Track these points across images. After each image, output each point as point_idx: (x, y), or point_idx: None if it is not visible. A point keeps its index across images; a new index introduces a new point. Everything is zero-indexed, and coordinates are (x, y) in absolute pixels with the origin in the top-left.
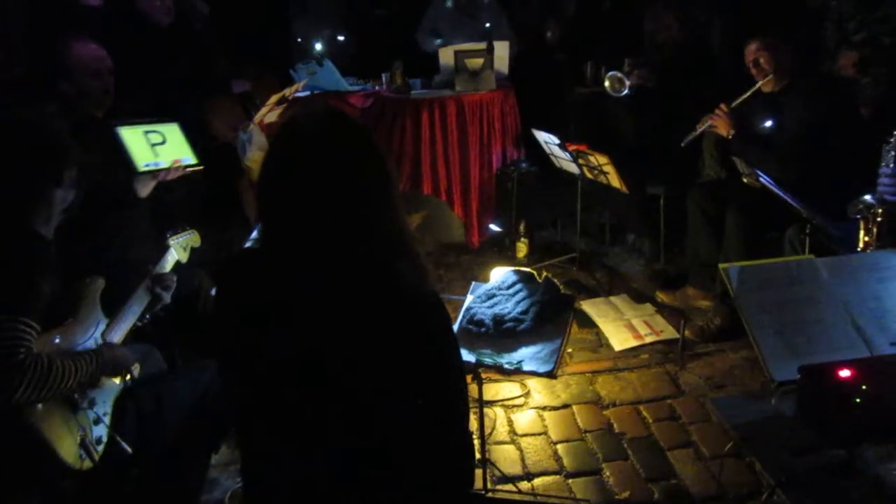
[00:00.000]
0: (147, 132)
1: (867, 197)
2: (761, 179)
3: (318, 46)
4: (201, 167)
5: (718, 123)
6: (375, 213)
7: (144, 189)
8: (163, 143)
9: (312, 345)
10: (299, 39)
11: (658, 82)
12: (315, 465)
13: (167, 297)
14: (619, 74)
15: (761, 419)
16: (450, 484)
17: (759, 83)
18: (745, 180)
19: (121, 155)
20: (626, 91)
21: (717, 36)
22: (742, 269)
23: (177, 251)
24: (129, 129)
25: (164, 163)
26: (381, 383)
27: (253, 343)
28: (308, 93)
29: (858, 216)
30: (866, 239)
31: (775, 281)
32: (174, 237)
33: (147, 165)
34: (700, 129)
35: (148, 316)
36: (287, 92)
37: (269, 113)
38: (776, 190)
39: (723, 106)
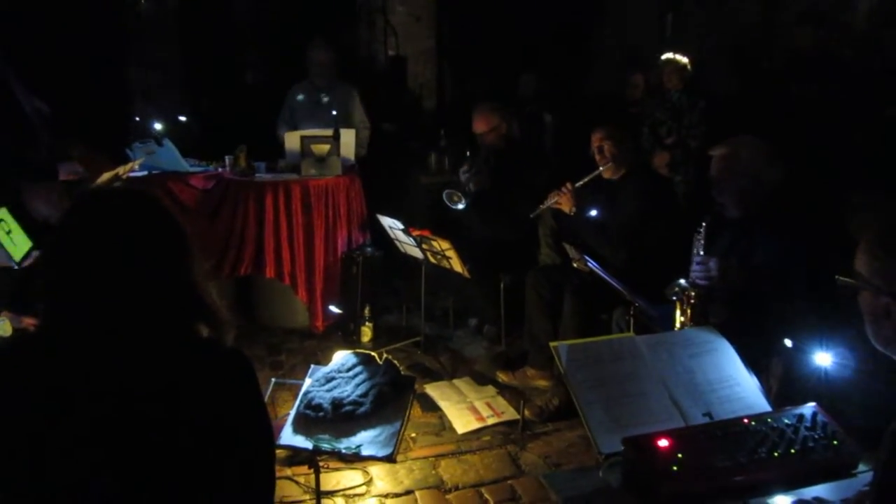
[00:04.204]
0: None
1: (682, 281)
2: (589, 265)
3: (158, 126)
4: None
5: (562, 200)
6: (171, 279)
7: None
8: (10, 231)
9: (115, 424)
10: (137, 118)
11: (492, 182)
12: None
13: None
14: (458, 194)
15: (591, 491)
16: None
17: (601, 168)
18: (574, 265)
19: None
20: (462, 204)
21: (550, 134)
22: (570, 348)
23: None
24: None
25: (29, 248)
26: (190, 453)
27: (46, 435)
28: (146, 172)
29: (675, 298)
30: (681, 319)
31: (600, 358)
32: None
33: (25, 258)
34: (546, 204)
35: None
36: (121, 170)
37: None
38: (602, 274)
39: (568, 184)
